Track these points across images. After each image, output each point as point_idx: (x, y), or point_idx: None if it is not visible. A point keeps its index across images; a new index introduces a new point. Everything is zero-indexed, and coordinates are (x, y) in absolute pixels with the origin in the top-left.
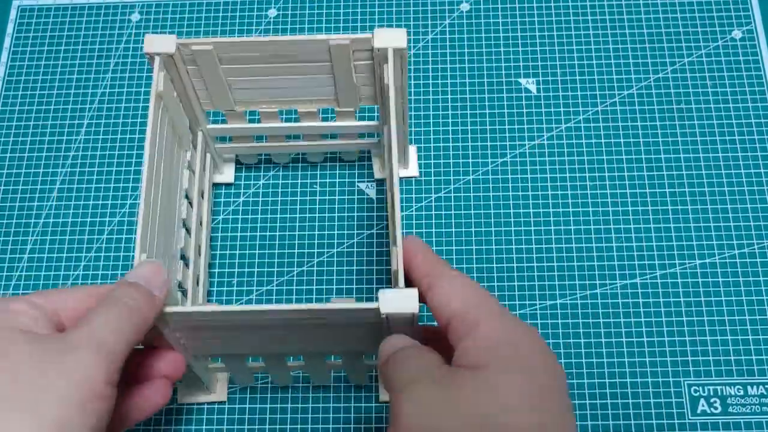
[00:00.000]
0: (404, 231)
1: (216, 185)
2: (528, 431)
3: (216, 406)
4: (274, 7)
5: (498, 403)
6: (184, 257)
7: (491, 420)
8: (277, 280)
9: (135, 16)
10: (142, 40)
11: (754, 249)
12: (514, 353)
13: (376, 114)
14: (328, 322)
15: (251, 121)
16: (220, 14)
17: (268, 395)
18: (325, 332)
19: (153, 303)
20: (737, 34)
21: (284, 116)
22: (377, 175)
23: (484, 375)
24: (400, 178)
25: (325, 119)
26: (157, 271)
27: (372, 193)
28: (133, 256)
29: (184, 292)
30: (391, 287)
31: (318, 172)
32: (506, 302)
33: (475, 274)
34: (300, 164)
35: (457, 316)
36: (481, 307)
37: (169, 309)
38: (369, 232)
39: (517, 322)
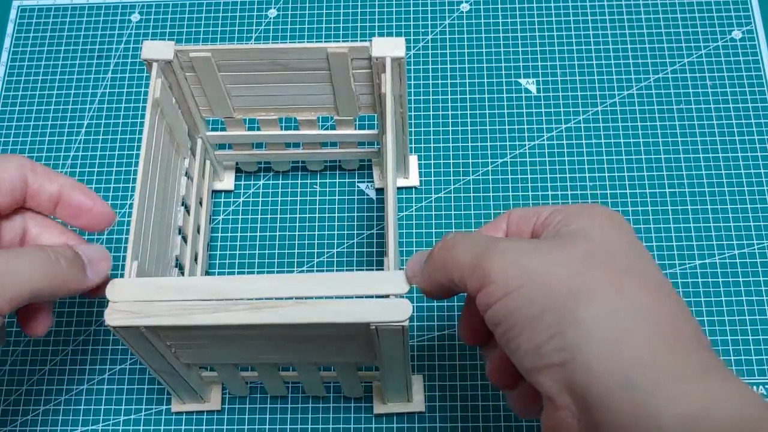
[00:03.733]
0: (403, 233)
1: (216, 192)
2: (628, 267)
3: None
4: (274, 7)
5: (596, 246)
6: (179, 264)
7: (591, 258)
8: None
9: (135, 17)
10: (142, 40)
11: (754, 249)
12: (600, 213)
13: (375, 123)
14: (314, 332)
15: (251, 128)
16: (221, 14)
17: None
18: (313, 342)
19: (79, 278)
20: (737, 34)
21: (284, 124)
22: (377, 184)
23: (582, 232)
24: (400, 188)
25: (325, 128)
26: (104, 257)
27: (372, 193)
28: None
29: None
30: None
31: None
32: None
33: None
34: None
35: (553, 212)
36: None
37: (122, 322)
38: (369, 232)
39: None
